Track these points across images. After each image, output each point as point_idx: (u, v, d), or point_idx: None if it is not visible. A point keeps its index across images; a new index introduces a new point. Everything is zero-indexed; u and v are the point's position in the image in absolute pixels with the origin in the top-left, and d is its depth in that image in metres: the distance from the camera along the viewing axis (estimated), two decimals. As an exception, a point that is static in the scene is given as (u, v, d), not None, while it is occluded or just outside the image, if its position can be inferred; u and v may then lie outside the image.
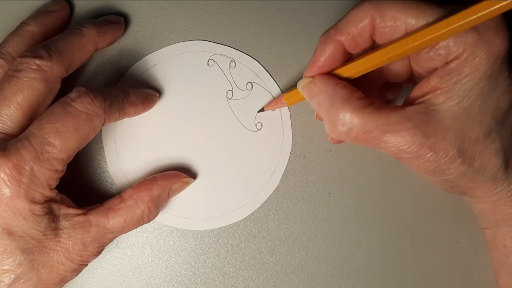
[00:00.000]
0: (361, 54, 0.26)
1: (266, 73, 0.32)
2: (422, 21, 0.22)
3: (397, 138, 0.23)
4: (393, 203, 0.32)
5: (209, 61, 0.32)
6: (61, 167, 0.24)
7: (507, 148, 0.24)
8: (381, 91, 0.30)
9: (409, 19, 0.22)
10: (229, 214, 0.31)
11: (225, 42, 0.32)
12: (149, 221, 0.28)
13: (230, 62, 0.32)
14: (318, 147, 0.32)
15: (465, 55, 0.22)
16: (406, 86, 0.30)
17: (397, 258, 0.32)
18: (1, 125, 0.24)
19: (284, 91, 0.31)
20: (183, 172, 0.30)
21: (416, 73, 0.26)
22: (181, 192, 0.30)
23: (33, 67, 0.24)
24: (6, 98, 0.24)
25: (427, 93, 0.23)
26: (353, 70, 0.25)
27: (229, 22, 0.32)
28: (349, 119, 0.24)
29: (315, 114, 0.30)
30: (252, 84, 0.32)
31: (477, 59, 0.22)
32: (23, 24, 0.28)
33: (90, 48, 0.28)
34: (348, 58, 0.26)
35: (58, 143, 0.24)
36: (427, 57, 0.23)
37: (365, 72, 0.25)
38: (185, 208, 0.31)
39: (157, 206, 0.28)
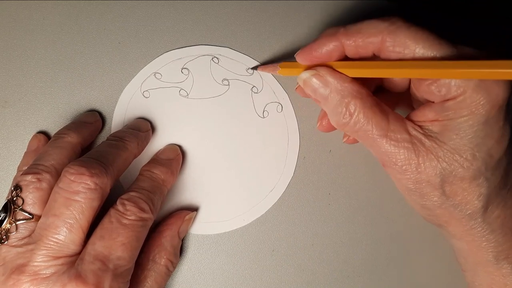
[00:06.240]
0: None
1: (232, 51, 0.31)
2: (430, 54, 0.22)
3: (390, 145, 0.24)
4: (393, 203, 0.32)
5: (183, 70, 0.31)
6: (129, 277, 0.25)
7: (492, 194, 0.24)
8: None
9: (418, 49, 0.23)
10: (252, 209, 0.31)
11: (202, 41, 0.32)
12: (175, 267, 0.29)
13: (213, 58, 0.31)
14: (318, 147, 0.32)
15: (462, 97, 0.22)
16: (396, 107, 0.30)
17: (397, 258, 0.32)
18: (66, 250, 0.24)
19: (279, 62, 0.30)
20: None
21: (412, 92, 0.26)
22: (206, 199, 0.31)
23: (92, 187, 0.24)
24: (67, 223, 0.23)
25: (425, 121, 0.24)
26: (353, 71, 0.25)
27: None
28: (357, 114, 0.24)
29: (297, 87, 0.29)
30: (228, 81, 0.31)
31: (474, 103, 0.22)
32: (63, 135, 0.28)
33: (131, 160, 0.28)
34: (343, 59, 0.26)
35: (127, 255, 0.24)
36: (428, 89, 0.24)
37: (360, 76, 0.25)
38: (214, 211, 0.31)
39: (174, 253, 0.29)
